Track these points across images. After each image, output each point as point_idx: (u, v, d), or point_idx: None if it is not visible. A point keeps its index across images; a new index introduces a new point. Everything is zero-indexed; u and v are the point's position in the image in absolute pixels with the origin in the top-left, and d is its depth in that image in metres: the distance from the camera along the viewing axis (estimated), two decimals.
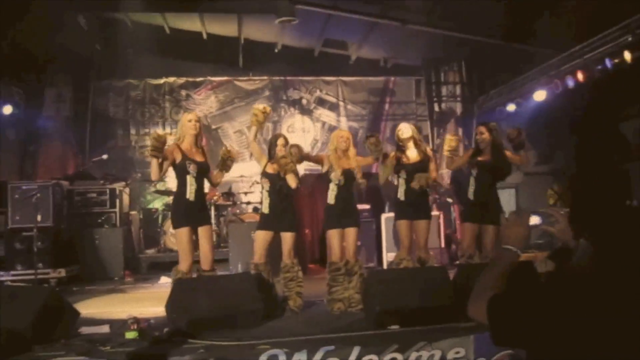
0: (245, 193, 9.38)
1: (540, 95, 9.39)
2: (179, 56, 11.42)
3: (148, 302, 5.62)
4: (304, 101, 12.12)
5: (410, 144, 5.01)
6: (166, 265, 8.27)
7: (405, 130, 5.03)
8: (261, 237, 4.80)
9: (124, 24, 10.58)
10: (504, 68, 10.61)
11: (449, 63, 11.42)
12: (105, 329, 4.23)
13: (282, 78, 12.07)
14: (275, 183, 4.83)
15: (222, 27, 11.27)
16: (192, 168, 4.52)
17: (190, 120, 4.66)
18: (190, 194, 4.52)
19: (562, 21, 9.09)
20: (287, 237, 4.82)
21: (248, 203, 9.22)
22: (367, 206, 7.72)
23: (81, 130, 10.42)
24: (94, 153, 9.99)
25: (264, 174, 4.86)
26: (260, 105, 4.93)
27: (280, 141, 4.92)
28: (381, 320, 3.84)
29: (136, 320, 4.17)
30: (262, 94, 11.97)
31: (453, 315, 3.89)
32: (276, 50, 11.72)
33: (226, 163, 4.98)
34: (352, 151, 5.00)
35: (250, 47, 11.48)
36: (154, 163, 4.52)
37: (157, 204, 10.83)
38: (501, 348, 3.64)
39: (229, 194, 8.83)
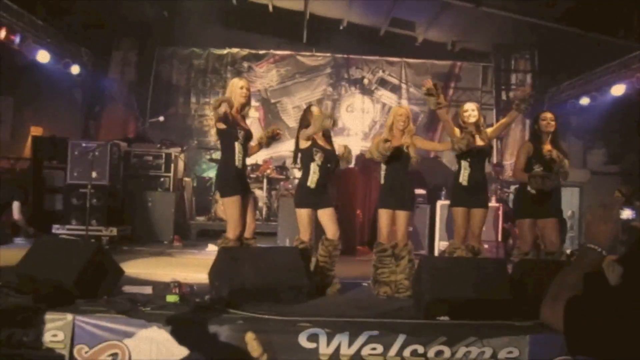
0: (299, 169, 9.22)
1: (618, 90, 8.80)
2: (243, 28, 11.35)
3: (193, 268, 5.60)
4: (366, 81, 11.86)
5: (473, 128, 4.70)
6: (215, 233, 8.30)
7: (472, 113, 4.71)
8: (305, 214, 4.61)
9: None
10: (580, 59, 10.01)
11: (520, 50, 10.87)
12: (147, 290, 4.20)
13: (345, 56, 11.83)
14: (329, 158, 4.62)
15: (289, 0, 11.11)
16: (241, 135, 4.38)
17: (242, 88, 4.50)
18: (238, 161, 4.39)
19: None
20: (330, 213, 4.63)
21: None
22: (422, 191, 7.44)
23: (144, 95, 10.56)
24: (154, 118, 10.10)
25: (317, 146, 4.60)
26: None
27: (315, 109, 4.72)
28: (430, 310, 3.62)
29: (179, 285, 4.12)
30: (324, 71, 11.79)
31: (509, 312, 3.63)
32: (341, 27, 11.47)
33: (269, 141, 4.82)
34: (410, 129, 4.73)
35: (315, 23, 11.27)
36: None
37: (212, 173, 10.92)
38: (560, 353, 3.38)
39: (282, 168, 8.74)
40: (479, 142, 4.71)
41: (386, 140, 4.53)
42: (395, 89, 11.85)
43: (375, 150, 4.52)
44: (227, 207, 4.43)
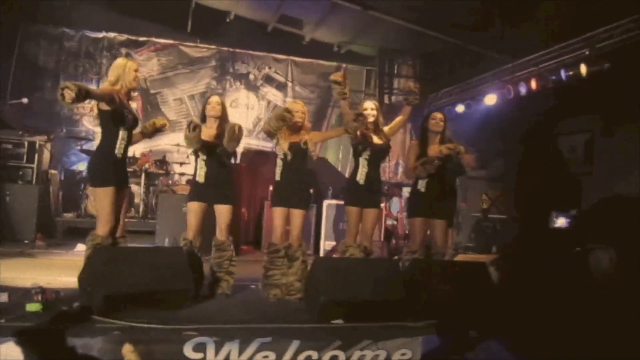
0: (181, 164, 8.76)
1: (491, 99, 9.32)
2: (122, 11, 10.57)
3: (59, 270, 5.01)
4: (251, 77, 11.61)
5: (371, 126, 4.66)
6: (85, 231, 7.50)
7: (372, 112, 4.65)
8: (195, 209, 4.33)
9: None
10: (458, 68, 10.52)
11: (404, 56, 11.20)
12: (3, 297, 3.63)
13: (230, 49, 11.48)
14: (213, 150, 4.36)
15: None
16: (128, 119, 3.96)
17: (136, 70, 4.10)
18: (119, 149, 3.96)
19: (523, 29, 9.09)
20: (224, 211, 4.37)
21: (182, 174, 8.61)
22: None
23: (3, 74, 9.41)
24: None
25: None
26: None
27: (214, 99, 4.47)
28: (325, 313, 3.47)
29: (42, 290, 3.62)
30: (208, 64, 11.35)
31: (402, 313, 3.59)
32: (228, 20, 11.11)
33: (154, 132, 4.47)
34: (307, 126, 4.58)
35: (200, 12, 10.80)
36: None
37: (82, 165, 10.05)
38: (449, 353, 3.39)
39: (162, 162, 8.21)
40: (378, 140, 4.67)
41: (287, 111, 4.35)
42: (281, 87, 11.72)
43: (275, 120, 4.29)
44: (98, 199, 3.95)
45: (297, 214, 4.41)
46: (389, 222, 8.39)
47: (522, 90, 8.41)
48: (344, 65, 11.92)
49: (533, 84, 8.26)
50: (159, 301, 3.48)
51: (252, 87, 11.47)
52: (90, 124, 10.50)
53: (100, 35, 10.69)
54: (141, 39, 10.92)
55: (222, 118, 4.44)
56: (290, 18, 11.16)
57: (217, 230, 4.38)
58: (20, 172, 7.05)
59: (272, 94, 11.61)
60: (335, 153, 11.52)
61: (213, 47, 11.35)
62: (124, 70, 4.02)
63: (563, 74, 7.63)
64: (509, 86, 8.71)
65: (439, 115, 4.88)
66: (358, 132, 4.48)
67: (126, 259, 3.51)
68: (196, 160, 4.43)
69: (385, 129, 4.83)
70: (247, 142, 10.79)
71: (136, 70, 4.09)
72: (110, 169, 3.91)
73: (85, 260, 3.63)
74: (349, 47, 11.78)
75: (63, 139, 9.36)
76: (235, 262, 4.37)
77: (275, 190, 4.51)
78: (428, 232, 4.80)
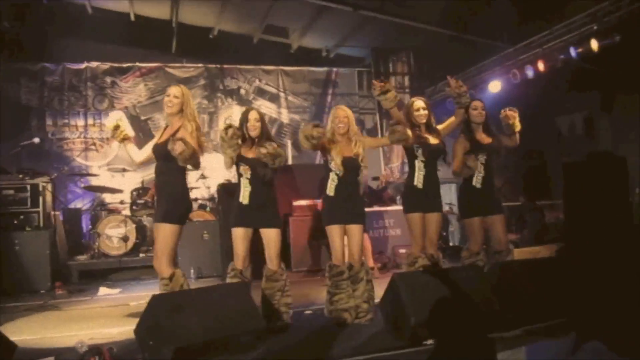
0: (191, 188, 8.35)
1: (495, 87, 9.15)
2: (103, 39, 10.20)
3: (96, 321, 4.62)
4: (242, 91, 11.29)
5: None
6: (100, 273, 7.20)
7: (423, 111, 4.36)
8: (241, 235, 3.97)
9: (39, 0, 9.27)
10: (454, 59, 10.33)
11: (398, 53, 10.99)
12: None
13: (218, 66, 11.14)
14: (258, 169, 4.01)
15: (153, 7, 10.19)
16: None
17: (257, 120, 4.05)
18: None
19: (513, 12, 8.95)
20: (273, 235, 4.01)
21: (195, 200, 8.23)
22: None
23: None
24: (4, 146, 8.60)
25: (242, 159, 4.00)
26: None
27: (252, 115, 4.07)
28: (416, 335, 3.18)
29: (95, 350, 3.25)
30: (197, 83, 11.00)
31: (496, 323, 3.30)
32: (211, 36, 10.80)
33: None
34: (353, 130, 4.26)
35: (183, 32, 10.49)
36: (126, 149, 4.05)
37: (80, 203, 9.61)
38: (557, 356, 3.12)
39: None
40: (433, 140, 4.40)
41: (316, 125, 4.05)
42: (273, 98, 11.41)
43: (304, 138, 4.00)
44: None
45: (355, 230, 4.08)
46: None
47: (530, 73, 8.24)
48: (334, 69, 11.69)
49: (541, 66, 8.09)
50: (233, 345, 3.14)
51: (245, 102, 11.12)
52: (83, 159, 10.08)
53: (82, 66, 10.27)
54: (125, 65, 10.53)
55: (263, 133, 4.11)
56: (275, 27, 10.91)
57: (267, 258, 4.01)
58: (26, 218, 6.61)
59: (266, 107, 11.29)
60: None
61: (200, 65, 11.02)
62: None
63: (573, 51, 7.47)
64: (515, 70, 8.53)
65: (479, 104, 4.58)
66: (410, 134, 4.18)
67: (191, 305, 3.15)
68: (239, 180, 4.08)
69: (440, 127, 4.55)
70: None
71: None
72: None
73: (145, 309, 3.25)
74: (337, 50, 11.55)
75: (65, 176, 8.97)
76: (290, 293, 4.01)
77: (328, 207, 4.15)
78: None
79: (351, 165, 4.14)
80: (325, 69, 11.70)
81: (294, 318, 4.08)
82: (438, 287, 3.36)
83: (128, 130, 4.07)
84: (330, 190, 4.13)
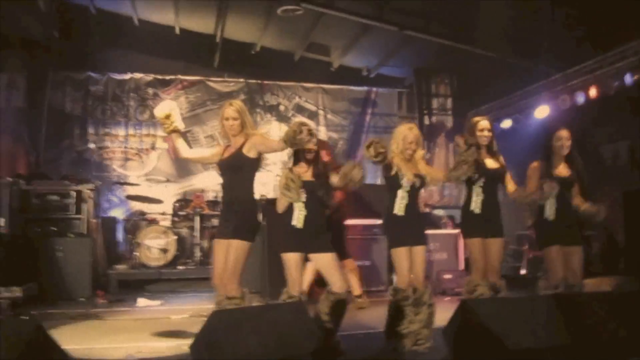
0: None
1: (542, 112, 8.94)
2: (147, 51, 10.31)
3: (140, 333, 4.53)
4: (282, 107, 11.27)
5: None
6: (138, 283, 7.14)
7: (488, 133, 4.20)
8: (295, 261, 3.76)
9: (87, 11, 9.43)
10: (496, 83, 10.17)
11: (440, 74, 10.87)
12: None
13: (258, 82, 11.16)
14: (315, 192, 3.84)
15: (198, 22, 10.28)
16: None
17: (227, 119, 3.84)
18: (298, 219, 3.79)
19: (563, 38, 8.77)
20: (330, 259, 3.80)
21: None
22: (378, 221, 6.87)
23: (36, 125, 9.05)
24: (49, 152, 8.71)
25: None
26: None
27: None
28: None
29: None
30: (237, 97, 10.95)
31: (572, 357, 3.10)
32: (253, 52, 10.84)
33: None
34: (419, 154, 4.10)
35: (226, 46, 10.54)
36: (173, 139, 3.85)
37: (116, 212, 9.63)
38: None
39: (215, 203, 7.76)
40: (492, 164, 4.23)
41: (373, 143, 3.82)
42: (312, 116, 11.36)
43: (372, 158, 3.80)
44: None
45: (420, 252, 3.93)
46: None
47: (580, 99, 8.03)
48: (374, 89, 11.63)
49: (593, 92, 7.87)
50: None
51: (284, 118, 11.10)
52: (121, 168, 10.13)
53: (127, 76, 10.38)
54: (168, 77, 10.61)
55: (316, 156, 3.96)
56: (317, 45, 10.91)
57: (331, 283, 3.80)
58: (69, 224, 6.61)
59: None
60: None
61: (241, 80, 11.05)
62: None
63: (629, 78, 7.25)
64: (565, 96, 8.33)
65: (565, 134, 4.34)
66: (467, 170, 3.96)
67: (248, 322, 3.02)
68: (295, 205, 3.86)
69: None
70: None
71: (227, 119, 3.83)
72: None
73: (205, 325, 3.13)
74: (378, 70, 11.49)
75: (109, 184, 9.03)
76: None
77: (396, 227, 3.98)
78: None
79: (419, 183, 3.99)
80: (365, 88, 11.63)
81: (346, 340, 3.91)
82: (509, 317, 3.17)
83: (179, 122, 3.90)
84: (400, 209, 3.95)
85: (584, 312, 3.28)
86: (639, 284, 4.64)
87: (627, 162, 10.24)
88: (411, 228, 3.92)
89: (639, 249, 4.87)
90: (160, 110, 3.88)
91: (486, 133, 4.24)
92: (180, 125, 3.93)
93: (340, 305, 3.77)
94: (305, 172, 3.90)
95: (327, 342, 3.56)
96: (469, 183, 4.23)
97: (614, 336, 3.19)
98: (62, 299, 6.02)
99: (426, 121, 10.77)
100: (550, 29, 8.81)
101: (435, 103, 10.75)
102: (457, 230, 6.96)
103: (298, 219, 3.82)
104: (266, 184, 9.87)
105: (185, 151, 3.94)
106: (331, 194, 3.94)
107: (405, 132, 4.05)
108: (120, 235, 9.09)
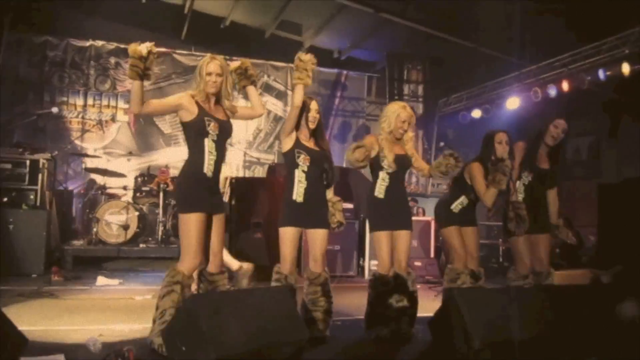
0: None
1: (513, 103, 8.96)
2: (111, 18, 9.82)
3: (99, 314, 4.23)
4: None
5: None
6: (95, 260, 6.77)
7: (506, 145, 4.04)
8: (292, 236, 3.57)
9: None
10: (471, 72, 10.15)
11: (413, 61, 10.75)
12: None
13: (227, 57, 10.70)
14: (320, 163, 3.65)
15: None
16: (212, 127, 3.28)
17: (210, 74, 3.41)
18: (208, 167, 3.28)
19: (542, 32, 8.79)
20: (322, 236, 3.63)
21: None
22: (349, 205, 6.72)
23: None
24: (1, 117, 8.16)
25: (301, 147, 3.61)
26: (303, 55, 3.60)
27: (314, 105, 3.66)
28: (478, 357, 2.88)
29: (118, 352, 2.89)
30: None
31: (554, 350, 3.02)
32: (222, 26, 10.46)
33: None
34: (409, 135, 3.89)
35: (194, 19, 10.14)
36: (136, 86, 3.11)
37: (73, 185, 9.16)
38: None
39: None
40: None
41: (357, 147, 3.69)
42: (280, 96, 11.09)
43: (352, 163, 3.67)
44: (186, 226, 3.21)
45: (403, 236, 3.76)
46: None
47: (552, 92, 8.06)
48: (344, 72, 11.43)
49: (565, 86, 7.92)
50: (275, 356, 2.80)
51: None
52: (78, 140, 9.63)
53: (87, 43, 9.84)
54: None
55: (320, 127, 3.76)
56: (290, 23, 10.63)
57: (311, 260, 3.66)
58: (21, 196, 6.17)
59: (272, 103, 10.98)
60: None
61: (208, 55, 10.58)
62: (200, 74, 3.34)
63: (602, 73, 7.30)
64: (536, 88, 8.35)
65: (564, 125, 4.17)
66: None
67: (231, 308, 2.79)
68: (292, 173, 3.65)
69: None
70: (249, 155, 10.12)
71: (210, 74, 3.41)
72: (202, 191, 3.22)
73: (180, 309, 2.89)
74: (349, 53, 11.30)
75: (66, 154, 8.57)
76: (332, 299, 3.66)
77: (376, 211, 3.81)
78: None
79: (402, 164, 3.81)
80: (335, 70, 11.41)
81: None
82: (497, 306, 3.07)
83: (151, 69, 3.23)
84: (380, 192, 3.78)
85: (561, 304, 3.21)
86: (613, 277, 4.64)
87: (587, 159, 10.47)
88: (392, 211, 3.76)
89: (611, 243, 4.88)
90: (136, 48, 3.09)
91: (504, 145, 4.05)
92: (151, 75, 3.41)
93: (317, 284, 3.62)
94: (308, 140, 3.69)
95: (310, 328, 3.37)
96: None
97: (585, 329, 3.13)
98: (14, 275, 5.61)
99: None
100: (526, 20, 8.83)
101: (406, 89, 10.65)
102: (428, 218, 6.87)
103: (298, 192, 3.62)
104: (231, 163, 9.57)
105: (146, 105, 3.36)
106: (335, 171, 3.74)
107: (399, 111, 3.84)
108: (75, 209, 8.67)
